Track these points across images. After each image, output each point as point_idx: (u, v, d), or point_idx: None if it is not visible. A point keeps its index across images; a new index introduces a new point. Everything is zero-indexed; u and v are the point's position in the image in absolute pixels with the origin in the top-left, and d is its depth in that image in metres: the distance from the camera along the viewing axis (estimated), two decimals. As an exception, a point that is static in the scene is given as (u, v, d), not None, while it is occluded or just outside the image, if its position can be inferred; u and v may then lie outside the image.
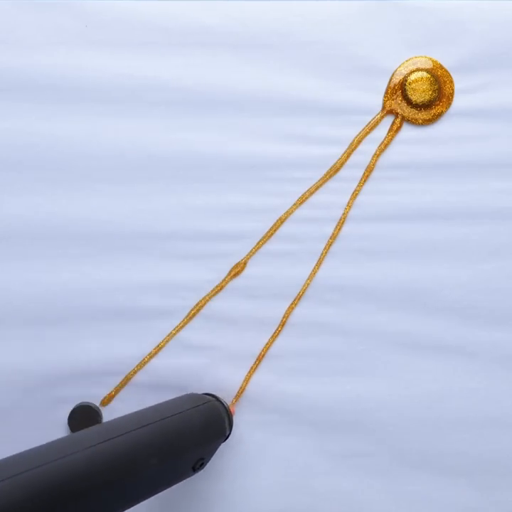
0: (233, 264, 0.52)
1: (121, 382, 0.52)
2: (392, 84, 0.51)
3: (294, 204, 0.52)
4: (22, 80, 0.52)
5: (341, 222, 0.52)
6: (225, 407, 0.48)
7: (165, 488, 0.41)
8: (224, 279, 0.52)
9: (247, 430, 0.52)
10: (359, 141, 0.52)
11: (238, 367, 0.52)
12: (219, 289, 0.52)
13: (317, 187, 0.52)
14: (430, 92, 0.52)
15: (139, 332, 0.52)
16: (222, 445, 0.52)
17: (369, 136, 0.52)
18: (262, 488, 0.52)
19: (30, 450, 0.35)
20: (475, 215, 0.52)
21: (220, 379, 0.52)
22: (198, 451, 0.43)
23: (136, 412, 0.42)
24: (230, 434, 0.49)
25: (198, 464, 0.43)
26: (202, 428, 0.44)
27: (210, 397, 0.48)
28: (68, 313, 0.52)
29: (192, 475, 0.44)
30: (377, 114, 0.52)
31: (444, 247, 0.52)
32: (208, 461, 0.45)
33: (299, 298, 0.52)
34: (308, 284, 0.52)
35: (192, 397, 0.47)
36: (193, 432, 0.43)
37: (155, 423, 0.41)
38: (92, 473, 0.35)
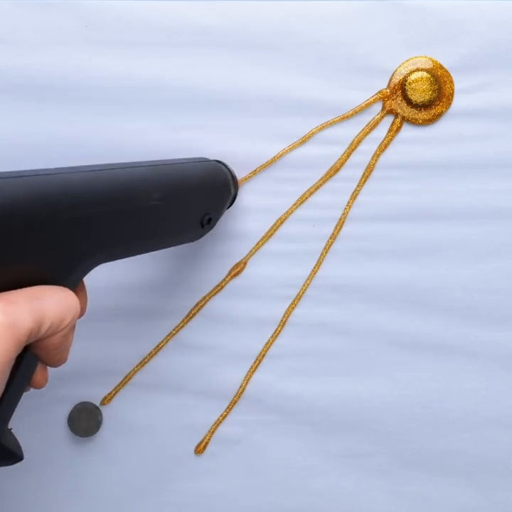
0: (233, 264, 0.52)
1: (121, 382, 0.52)
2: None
3: (294, 204, 0.52)
4: (22, 79, 0.52)
5: (341, 222, 0.52)
6: (230, 171, 0.49)
7: (176, 239, 0.42)
8: (224, 279, 0.52)
9: (247, 430, 0.52)
10: (359, 141, 0.52)
11: (238, 367, 0.52)
12: (219, 289, 0.52)
13: (317, 187, 0.52)
14: (430, 92, 0.52)
15: (139, 332, 0.52)
16: (226, 447, 0.52)
17: (369, 136, 0.52)
18: (262, 488, 0.52)
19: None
20: (475, 215, 0.52)
21: (220, 379, 0.52)
22: (202, 201, 0.44)
23: (139, 161, 0.42)
24: (235, 197, 0.50)
25: (206, 220, 0.44)
26: (205, 179, 0.45)
27: (215, 161, 0.49)
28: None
29: (201, 232, 0.45)
30: (377, 114, 0.52)
31: (444, 247, 0.52)
32: (215, 222, 0.46)
33: (299, 298, 0.52)
34: (308, 284, 0.52)
35: (197, 157, 0.48)
36: (197, 180, 0.44)
37: (159, 166, 0.41)
38: (94, 191, 0.34)
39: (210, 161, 0.47)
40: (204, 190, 0.44)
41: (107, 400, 0.52)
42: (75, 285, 0.35)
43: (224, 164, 0.50)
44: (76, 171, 0.34)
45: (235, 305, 0.52)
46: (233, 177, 0.50)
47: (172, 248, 0.52)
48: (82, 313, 0.38)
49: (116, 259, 0.37)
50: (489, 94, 0.51)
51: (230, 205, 0.50)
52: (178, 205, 0.41)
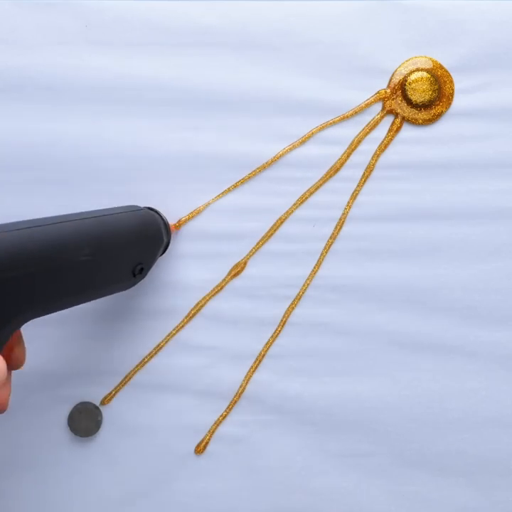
0: (233, 264, 0.52)
1: (121, 382, 0.52)
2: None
3: (294, 204, 0.52)
4: (22, 79, 0.52)
5: (341, 222, 0.52)
6: (162, 218, 0.49)
7: (107, 290, 0.42)
8: (224, 279, 0.52)
9: (247, 430, 0.52)
10: (359, 141, 0.52)
11: (238, 367, 0.52)
12: (219, 289, 0.52)
13: (317, 187, 0.52)
14: (430, 92, 0.52)
15: (139, 332, 0.52)
16: (226, 447, 0.52)
17: (369, 136, 0.52)
18: (262, 488, 0.52)
19: None
20: (475, 215, 0.52)
21: (220, 379, 0.52)
22: (134, 252, 0.44)
23: (68, 214, 0.42)
24: (168, 244, 0.50)
25: (138, 269, 0.44)
26: (136, 229, 0.44)
27: (146, 208, 0.48)
28: (68, 313, 0.52)
29: (134, 281, 0.45)
30: (377, 114, 0.52)
31: (444, 247, 0.52)
32: (148, 270, 0.46)
33: (299, 298, 0.52)
34: (308, 284, 0.52)
35: (128, 206, 0.47)
36: (128, 231, 0.43)
37: (87, 219, 0.40)
38: (21, 252, 0.34)
39: (141, 209, 0.47)
40: (135, 241, 0.44)
41: (107, 400, 0.52)
42: (5, 340, 0.35)
43: (156, 211, 0.49)
44: (2, 231, 0.34)
45: (235, 305, 0.52)
46: (166, 224, 0.49)
47: (169, 246, 0.52)
48: (20, 364, 0.39)
49: (48, 313, 0.38)
50: (489, 94, 0.51)
51: (163, 253, 0.50)
52: (108, 258, 0.41)
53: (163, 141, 0.52)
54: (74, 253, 0.38)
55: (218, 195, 0.52)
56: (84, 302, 0.40)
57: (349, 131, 0.52)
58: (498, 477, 0.52)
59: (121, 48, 0.52)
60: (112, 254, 0.41)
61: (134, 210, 0.46)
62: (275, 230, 0.52)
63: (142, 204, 0.51)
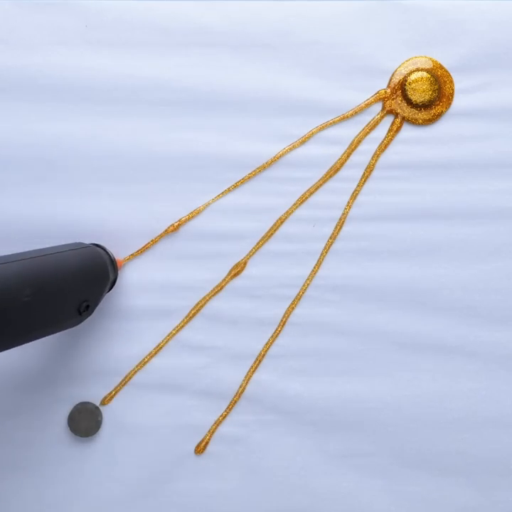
0: (233, 264, 0.52)
1: (121, 382, 0.52)
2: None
3: (294, 204, 0.52)
4: (22, 79, 0.52)
5: (341, 222, 0.52)
6: (108, 255, 0.49)
7: (53, 329, 0.42)
8: (224, 279, 0.52)
9: (247, 430, 0.52)
10: (359, 141, 0.52)
11: (238, 367, 0.52)
12: (219, 289, 0.52)
13: (317, 187, 0.52)
14: (430, 92, 0.52)
15: (139, 332, 0.52)
16: (226, 447, 0.52)
17: (369, 136, 0.52)
18: (262, 488, 0.52)
19: None
20: (475, 215, 0.52)
21: (220, 379, 0.52)
22: (78, 290, 0.44)
23: (10, 255, 0.42)
24: (115, 281, 0.50)
25: (83, 307, 0.44)
26: (81, 268, 0.44)
27: (93, 245, 0.48)
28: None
29: (80, 319, 0.44)
30: (377, 114, 0.52)
31: (444, 247, 0.52)
32: (94, 307, 0.46)
33: (299, 298, 0.52)
34: (308, 284, 0.52)
35: (73, 244, 0.47)
36: (71, 270, 0.43)
37: (30, 259, 0.40)
38: None
39: (87, 246, 0.47)
40: (80, 279, 0.44)
41: (107, 400, 0.52)
42: None
43: (103, 248, 0.49)
44: None
45: (235, 305, 0.52)
46: (112, 260, 0.49)
47: (169, 246, 0.52)
48: None
49: None
50: (489, 94, 0.51)
51: (110, 289, 0.50)
52: (51, 297, 0.41)
53: (163, 141, 0.52)
54: (15, 294, 0.37)
55: (218, 195, 0.52)
56: (31, 341, 0.40)
57: (349, 131, 0.52)
58: (498, 477, 0.52)
59: (121, 48, 0.52)
60: (56, 294, 0.41)
61: (78, 247, 0.46)
62: (275, 230, 0.52)
63: (142, 204, 0.51)
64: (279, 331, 0.52)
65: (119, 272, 0.51)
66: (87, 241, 0.51)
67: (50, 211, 0.52)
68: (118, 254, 0.52)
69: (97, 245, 0.49)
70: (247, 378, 0.52)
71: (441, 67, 0.52)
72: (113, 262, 0.49)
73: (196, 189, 0.52)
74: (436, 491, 0.52)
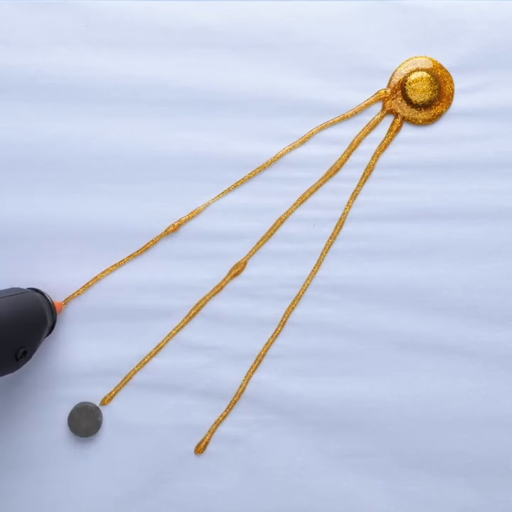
0: (233, 264, 0.52)
1: (121, 382, 0.52)
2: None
3: (294, 204, 0.52)
4: (22, 79, 0.52)
5: (341, 222, 0.52)
6: (47, 299, 0.48)
7: None
8: (224, 279, 0.52)
9: (247, 430, 0.52)
10: (359, 141, 0.52)
11: (238, 367, 0.52)
12: (219, 289, 0.52)
13: (317, 187, 0.52)
14: (430, 92, 0.52)
15: (139, 332, 0.52)
16: (226, 447, 0.52)
17: (369, 136, 0.52)
18: (262, 488, 0.52)
19: None
20: (475, 215, 0.52)
21: (220, 379, 0.52)
22: (14, 337, 0.43)
23: None
24: (53, 326, 0.49)
25: (20, 353, 0.43)
26: (17, 314, 0.44)
27: (30, 290, 0.48)
28: (68, 313, 0.52)
29: (18, 365, 0.44)
30: (377, 114, 0.52)
31: (444, 247, 0.52)
32: (32, 353, 0.45)
33: (299, 298, 0.52)
34: (308, 284, 0.52)
35: (9, 289, 0.47)
36: (6, 317, 0.43)
37: None
38: None
39: (24, 292, 0.46)
40: (16, 326, 0.43)
41: (107, 400, 0.52)
42: None
43: (41, 292, 0.49)
44: None
45: (235, 305, 0.52)
46: (50, 304, 0.49)
47: (169, 246, 0.52)
48: None
49: None
50: (489, 94, 0.51)
51: (49, 333, 0.49)
52: None
53: (163, 141, 0.52)
54: None
55: (218, 195, 0.52)
56: None
57: (349, 131, 0.52)
58: (498, 477, 0.52)
59: (121, 48, 0.52)
60: None
61: (15, 293, 0.45)
62: (275, 230, 0.52)
63: (142, 204, 0.51)
64: (279, 331, 0.52)
65: (58, 315, 0.50)
66: (91, 243, 0.51)
67: (50, 211, 0.52)
68: (119, 255, 0.52)
69: (36, 290, 0.49)
70: (247, 378, 0.52)
71: (441, 67, 0.52)
72: (51, 306, 0.49)
73: (196, 189, 0.52)
74: (436, 491, 0.52)
